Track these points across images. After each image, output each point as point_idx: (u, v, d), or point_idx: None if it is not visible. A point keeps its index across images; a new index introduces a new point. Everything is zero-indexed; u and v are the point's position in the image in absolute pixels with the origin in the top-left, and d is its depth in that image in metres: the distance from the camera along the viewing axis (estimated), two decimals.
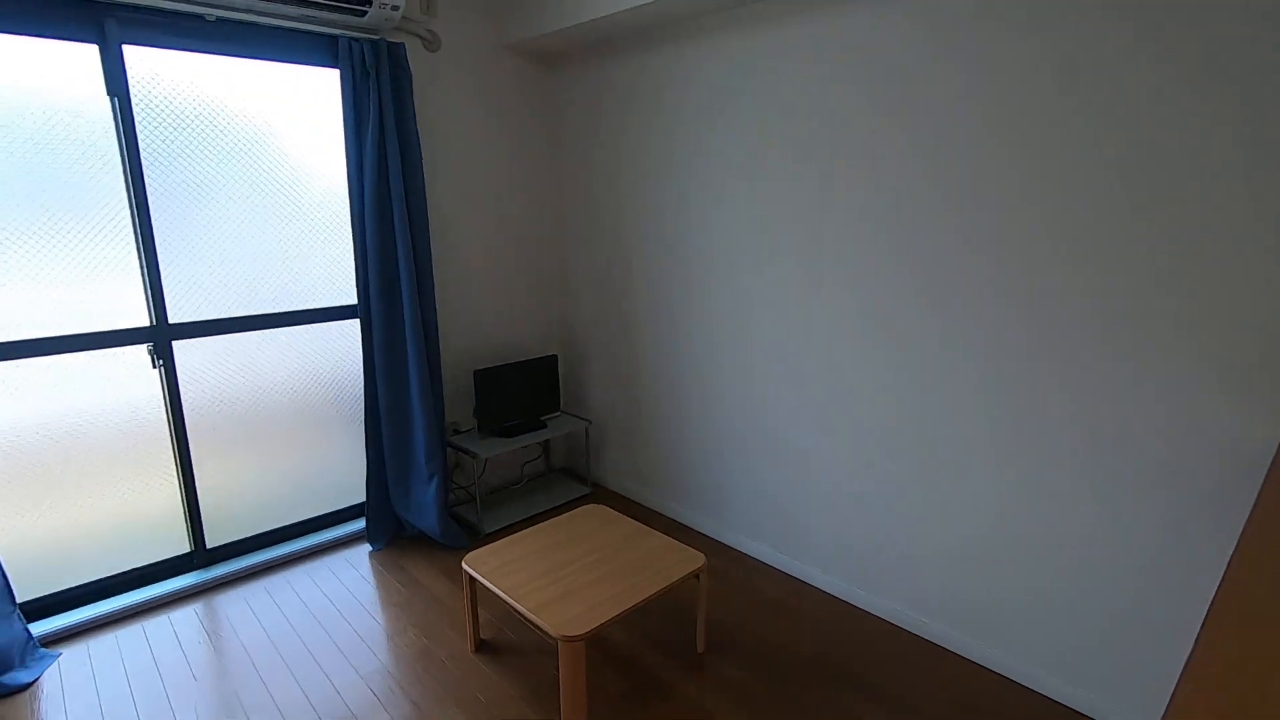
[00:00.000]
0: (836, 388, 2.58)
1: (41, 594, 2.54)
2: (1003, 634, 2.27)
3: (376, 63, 2.78)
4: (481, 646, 2.46)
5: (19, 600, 2.45)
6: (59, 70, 2.32)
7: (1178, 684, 0.79)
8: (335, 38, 2.82)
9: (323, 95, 2.92)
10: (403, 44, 2.87)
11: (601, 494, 3.71)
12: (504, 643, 2.48)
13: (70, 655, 2.40)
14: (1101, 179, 1.86)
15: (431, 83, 3.12)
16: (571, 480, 3.81)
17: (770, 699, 2.18)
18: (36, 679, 2.28)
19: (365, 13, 2.69)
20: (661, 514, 3.46)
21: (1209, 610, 0.91)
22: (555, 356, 3.61)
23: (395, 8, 2.72)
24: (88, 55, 2.37)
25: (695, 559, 2.33)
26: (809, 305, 2.61)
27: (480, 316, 3.48)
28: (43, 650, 2.39)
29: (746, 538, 3.06)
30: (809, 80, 2.45)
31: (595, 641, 2.49)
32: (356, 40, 2.75)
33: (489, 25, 3.26)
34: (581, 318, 3.69)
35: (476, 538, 3.23)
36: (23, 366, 2.38)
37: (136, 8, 2.39)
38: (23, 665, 2.28)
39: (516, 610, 2.16)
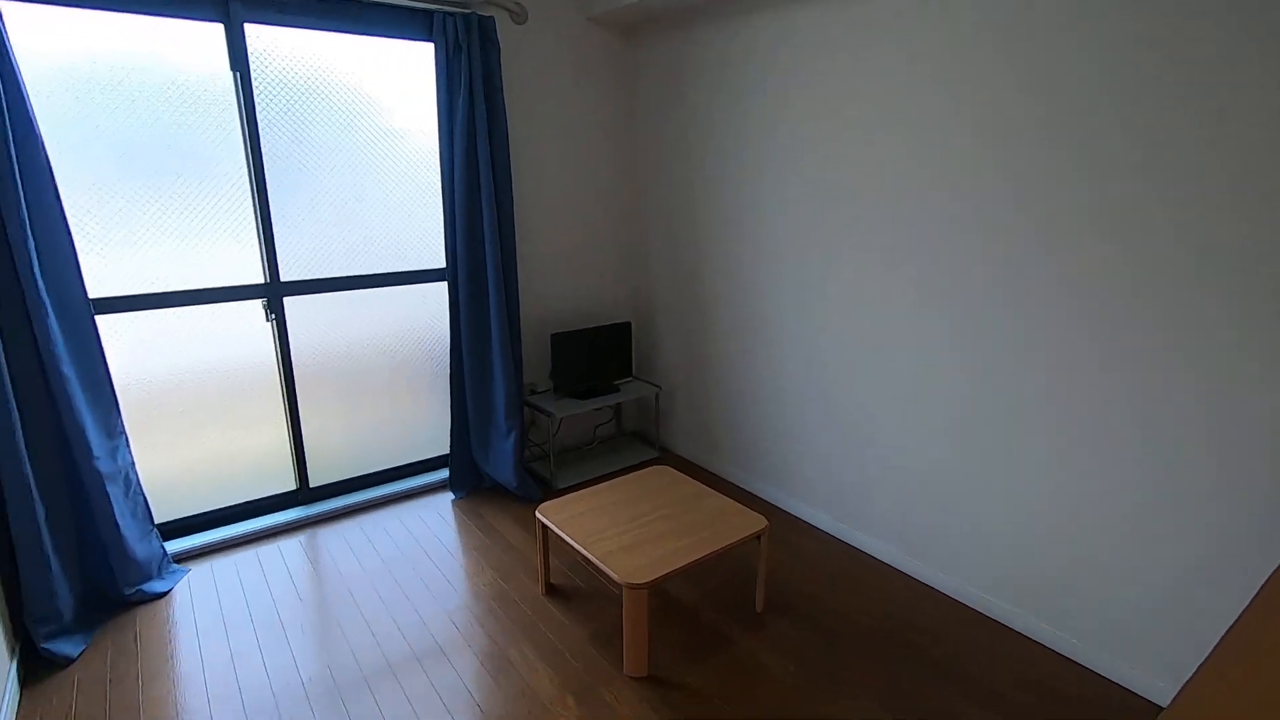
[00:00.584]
0: (907, 362, 2.57)
1: (173, 518, 2.89)
2: (1069, 615, 2.25)
3: (468, 36, 2.91)
4: (551, 590, 2.64)
5: (156, 522, 2.79)
6: (190, 48, 2.56)
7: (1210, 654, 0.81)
8: (430, 13, 2.96)
9: (417, 68, 3.08)
10: (492, 17, 2.98)
11: (669, 458, 3.82)
12: (572, 589, 2.65)
13: (197, 572, 2.73)
14: (1213, 173, 1.77)
15: (518, 54, 3.23)
16: (641, 444, 3.94)
17: (826, 662, 2.25)
18: (170, 589, 2.61)
19: None
20: (726, 480, 3.54)
21: (1258, 591, 0.92)
22: (629, 324, 3.71)
23: None
24: (214, 33, 2.60)
25: (757, 522, 2.41)
26: (883, 280, 2.60)
27: (558, 282, 3.62)
28: (175, 566, 2.73)
29: (809, 506, 3.11)
30: (893, 55, 2.40)
31: (658, 593, 2.61)
32: (450, 14, 2.88)
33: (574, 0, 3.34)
34: (655, 286, 3.77)
35: (549, 491, 3.41)
36: (157, 317, 2.68)
37: None
38: (159, 577, 2.61)
39: (585, 558, 2.31)
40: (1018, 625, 2.38)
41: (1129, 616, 2.10)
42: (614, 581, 2.58)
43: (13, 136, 2.12)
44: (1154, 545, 2.02)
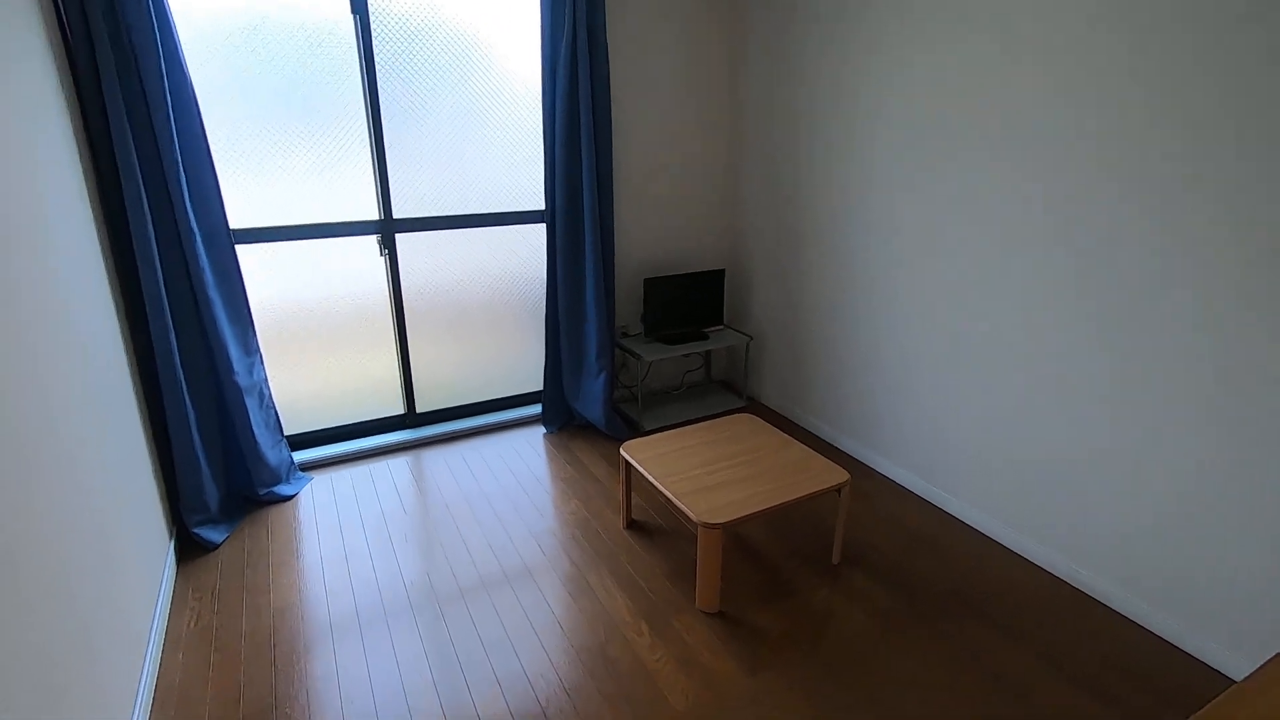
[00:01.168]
0: (1012, 324, 2.43)
1: (298, 431, 3.21)
2: (1174, 599, 2.11)
3: None
4: (632, 525, 2.75)
5: (284, 433, 3.11)
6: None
7: None
8: None
9: (523, 11, 3.10)
10: None
11: (756, 408, 3.82)
12: (652, 525, 2.75)
13: (318, 480, 3.04)
14: None
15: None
16: (728, 393, 3.96)
17: (898, 618, 2.25)
18: (296, 493, 2.92)
19: None
20: (813, 433, 3.51)
21: None
22: (723, 270, 3.69)
23: None
24: None
25: (839, 474, 2.39)
26: (998, 235, 2.44)
27: (654, 227, 3.63)
28: (300, 473, 3.05)
29: (898, 466, 3.04)
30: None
31: (733, 535, 2.67)
32: None
33: None
34: (750, 234, 3.71)
35: (636, 432, 3.51)
36: (284, 248, 2.92)
37: None
38: (287, 482, 2.93)
39: (665, 495, 2.38)
40: (1115, 604, 2.27)
41: (1247, 611, 1.95)
42: (691, 520, 2.65)
43: (168, 84, 2.34)
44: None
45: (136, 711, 1.78)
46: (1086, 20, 2.05)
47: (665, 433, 2.73)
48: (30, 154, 1.70)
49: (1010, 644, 2.12)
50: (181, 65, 2.37)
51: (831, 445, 3.39)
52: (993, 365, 2.54)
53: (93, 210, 2.22)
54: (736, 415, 2.85)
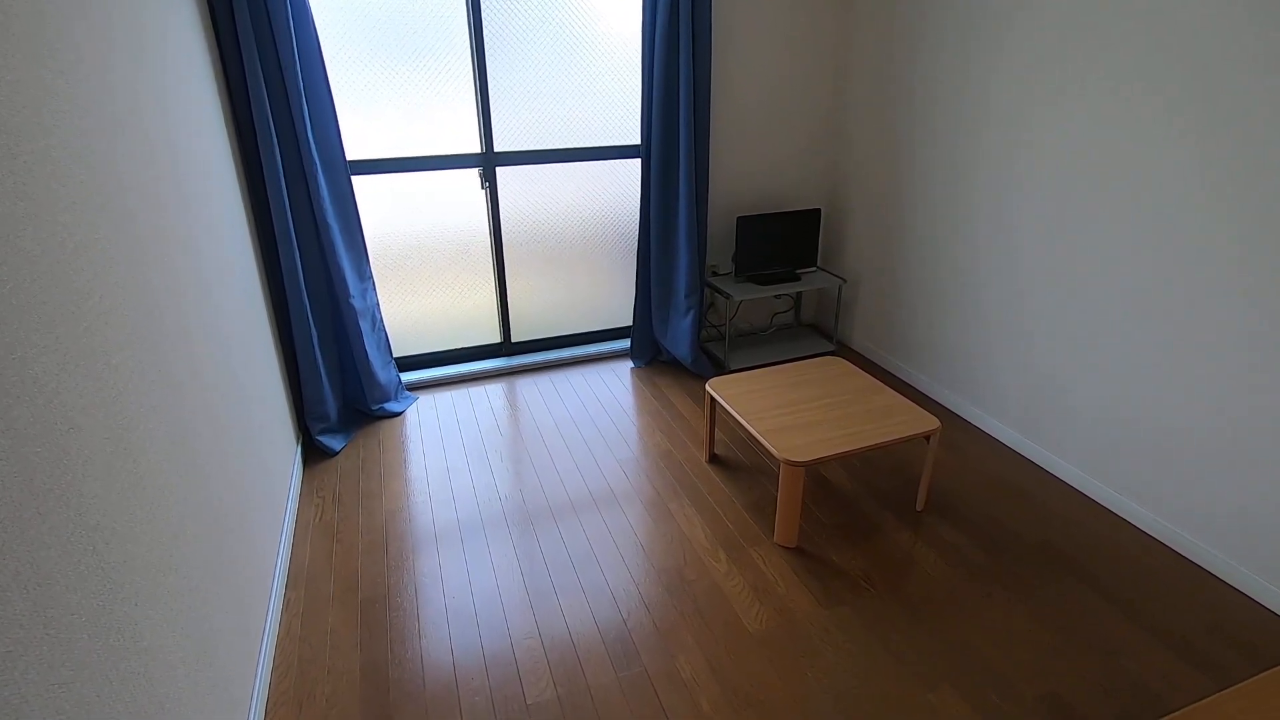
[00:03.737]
0: (1139, 278, 2.26)
1: (404, 354, 3.44)
2: None
3: None
4: (714, 459, 2.82)
5: (394, 355, 3.34)
6: None
7: None
8: None
9: None
10: None
11: (846, 353, 3.76)
12: (733, 460, 2.81)
13: (423, 400, 3.27)
14: None
15: None
16: (818, 336, 3.91)
17: (982, 568, 2.23)
18: (404, 410, 3.16)
19: None
20: (903, 380, 3.44)
21: None
22: (819, 211, 3.59)
23: None
24: None
25: (929, 421, 2.35)
26: (1115, 169, 2.25)
27: (750, 164, 3.56)
28: (407, 393, 3.29)
29: (991, 416, 2.95)
30: None
31: (816, 475, 2.70)
32: None
33: None
34: (850, 173, 3.57)
35: (721, 371, 3.55)
36: (393, 180, 3.07)
37: None
38: (395, 399, 3.17)
39: (748, 431, 2.43)
40: (1223, 573, 2.16)
41: None
42: (773, 457, 2.68)
43: (294, 22, 2.47)
44: None
45: (275, 584, 2.04)
46: None
47: (751, 371, 2.74)
48: (191, 92, 1.87)
49: (1102, 602, 2.07)
50: (306, 7, 2.49)
51: (923, 394, 3.31)
52: (1112, 321, 2.38)
53: (230, 143, 2.41)
54: (826, 358, 2.83)
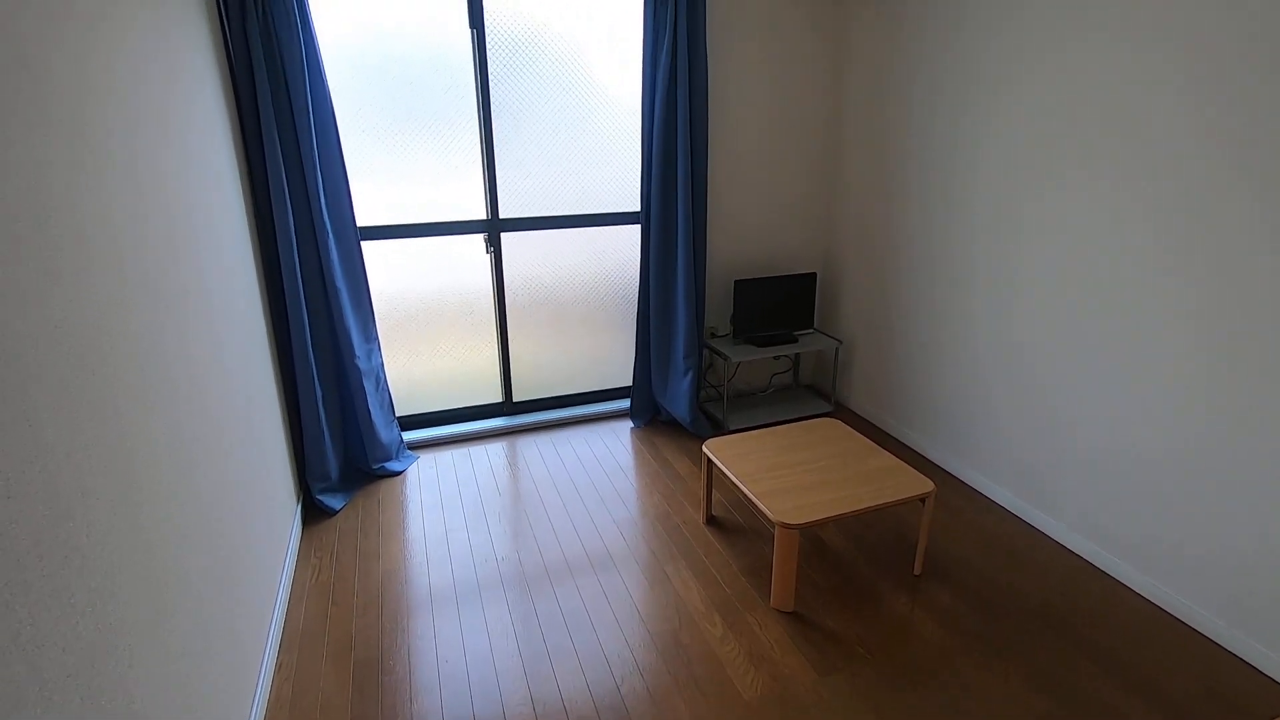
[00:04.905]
0: (1120, 334, 2.31)
1: (407, 413, 3.49)
2: None
3: None
4: (711, 521, 2.82)
5: (396, 414, 3.39)
6: (437, 10, 2.93)
7: None
8: None
9: (626, 20, 3.23)
10: None
11: (844, 414, 3.79)
12: (731, 523, 2.81)
13: (424, 459, 3.30)
14: None
15: (722, 3, 3.25)
16: (816, 397, 3.94)
17: (979, 634, 2.20)
18: (404, 470, 3.19)
19: None
20: (900, 441, 3.45)
21: None
22: (814, 275, 3.68)
23: None
24: None
25: (923, 484, 2.37)
26: (1097, 237, 2.33)
27: (746, 230, 3.67)
28: (408, 452, 3.32)
29: (986, 478, 2.95)
30: None
31: (813, 538, 2.69)
32: None
33: None
34: (845, 238, 3.68)
35: (720, 431, 3.57)
36: (400, 245, 3.19)
37: None
38: (396, 459, 3.20)
39: (744, 493, 2.44)
40: (1224, 641, 2.13)
41: None
42: (769, 519, 2.69)
43: (311, 97, 2.63)
44: None
45: (268, 647, 2.03)
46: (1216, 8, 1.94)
47: (748, 432, 2.77)
48: (211, 162, 1.98)
49: (1098, 668, 2.04)
50: (322, 77, 2.65)
51: (921, 455, 3.32)
52: (1096, 384, 2.42)
53: (245, 209, 2.53)
54: (822, 419, 2.86)
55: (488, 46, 3.03)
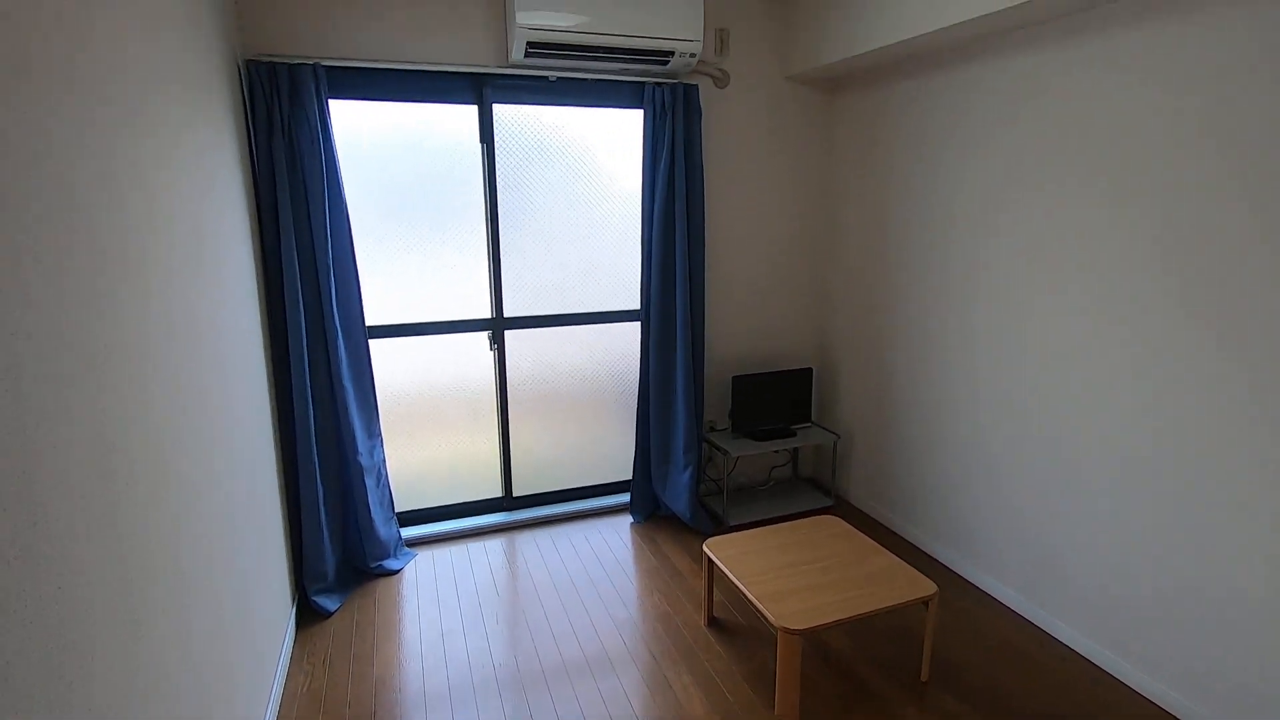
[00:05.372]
0: (1124, 429, 2.36)
1: (406, 509, 3.48)
2: None
3: (673, 103, 3.22)
4: (713, 622, 2.77)
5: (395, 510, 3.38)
6: (449, 127, 3.15)
7: None
8: (641, 85, 3.32)
9: (626, 131, 3.46)
10: (696, 85, 3.27)
11: (843, 508, 3.78)
12: (733, 624, 2.76)
13: (422, 556, 3.26)
14: None
15: (718, 113, 3.49)
16: (815, 491, 3.94)
17: None
18: (402, 568, 3.15)
19: (668, 62, 3.14)
20: (901, 536, 3.43)
21: None
22: (810, 370, 3.76)
23: (693, 55, 3.12)
24: (469, 114, 3.17)
25: (926, 586, 2.35)
26: (1092, 332, 2.42)
27: (743, 326, 3.79)
28: (406, 549, 3.29)
29: (990, 576, 2.92)
30: (1097, 97, 2.27)
31: (817, 642, 2.63)
32: (658, 85, 3.21)
33: (775, 59, 3.53)
34: (838, 333, 3.79)
35: (720, 527, 3.55)
36: (407, 342, 3.28)
37: (505, 77, 3.13)
38: (394, 556, 3.17)
39: (745, 595, 2.42)
40: None
41: None
42: (771, 623, 2.64)
43: (328, 207, 2.78)
44: None
45: None
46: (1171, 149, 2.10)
47: (749, 530, 2.77)
48: (233, 269, 2.09)
49: None
50: (340, 188, 2.81)
51: (922, 551, 3.30)
52: (1103, 479, 2.45)
53: (260, 310, 2.63)
54: (822, 516, 2.86)
55: (496, 158, 3.23)
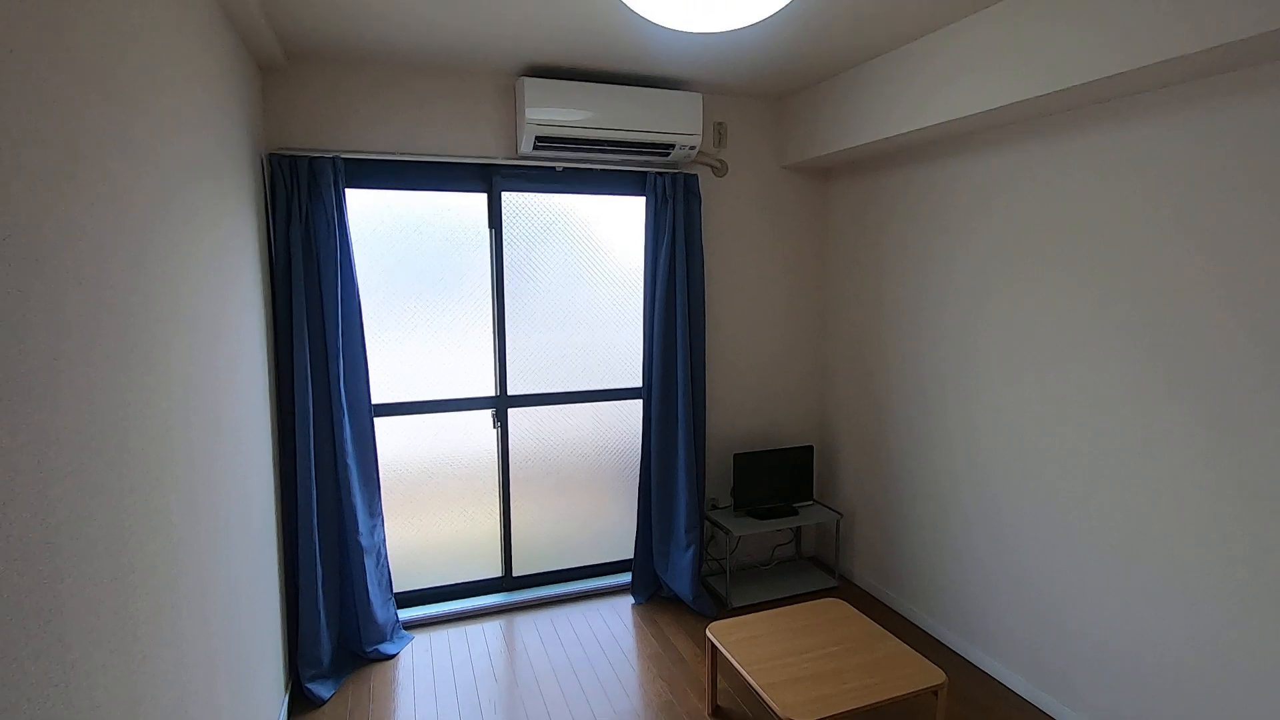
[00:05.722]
0: (1127, 510, 2.37)
1: (404, 589, 3.42)
2: None
3: (674, 191, 3.37)
4: (717, 711, 2.69)
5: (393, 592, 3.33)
6: (459, 214, 3.28)
7: None
8: (644, 174, 3.48)
9: (629, 215, 3.60)
10: (696, 175, 3.43)
11: (848, 588, 3.72)
12: (738, 713, 2.68)
13: (418, 640, 3.19)
14: None
15: (717, 200, 3.64)
16: (819, 570, 3.89)
17: None
18: (398, 652, 3.08)
19: (669, 154, 3.31)
20: (907, 619, 3.36)
21: None
22: (811, 447, 3.78)
23: (692, 147, 3.29)
24: (478, 201, 3.31)
25: (934, 675, 2.31)
26: (1106, 417, 2.46)
27: (743, 404, 3.83)
28: (404, 632, 3.22)
29: (999, 663, 2.86)
30: (1079, 192, 2.39)
31: None
32: (660, 174, 3.37)
33: (771, 150, 3.71)
34: (837, 410, 3.83)
35: (723, 609, 3.49)
36: (415, 420, 3.31)
37: (514, 167, 3.29)
38: (391, 640, 3.10)
39: (750, 684, 2.36)
40: None
41: None
42: (776, 714, 2.57)
43: (340, 285, 2.87)
44: None
45: None
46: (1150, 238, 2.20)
47: (753, 614, 2.73)
48: (247, 356, 2.15)
49: None
50: (353, 274, 2.91)
51: (929, 635, 3.23)
52: (1106, 559, 2.44)
53: (269, 391, 2.67)
54: (827, 600, 2.82)
55: (504, 241, 3.35)
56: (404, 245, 3.22)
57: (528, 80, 2.98)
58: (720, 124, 3.60)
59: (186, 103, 1.67)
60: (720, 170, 3.63)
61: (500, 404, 3.45)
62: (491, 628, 3.31)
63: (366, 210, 3.14)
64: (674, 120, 3.21)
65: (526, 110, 2.98)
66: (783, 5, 1.63)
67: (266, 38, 2.45)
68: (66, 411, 1.00)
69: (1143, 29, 1.91)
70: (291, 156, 2.77)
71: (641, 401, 3.58)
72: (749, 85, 3.41)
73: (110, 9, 1.22)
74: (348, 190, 3.05)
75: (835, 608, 2.76)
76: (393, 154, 3.04)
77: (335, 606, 2.96)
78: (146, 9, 1.41)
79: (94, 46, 1.15)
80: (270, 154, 2.77)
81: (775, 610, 2.75)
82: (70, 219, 1.03)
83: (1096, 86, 2.12)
